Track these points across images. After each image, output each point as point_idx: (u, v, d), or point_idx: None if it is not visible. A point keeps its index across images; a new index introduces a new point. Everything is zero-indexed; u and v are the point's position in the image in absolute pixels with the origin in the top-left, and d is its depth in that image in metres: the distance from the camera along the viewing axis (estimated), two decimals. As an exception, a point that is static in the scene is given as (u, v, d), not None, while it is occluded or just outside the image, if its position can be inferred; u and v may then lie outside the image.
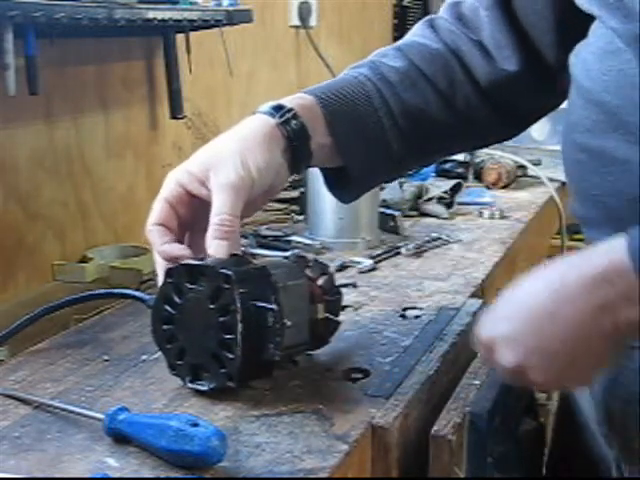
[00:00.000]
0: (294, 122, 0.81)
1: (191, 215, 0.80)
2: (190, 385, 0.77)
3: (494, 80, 0.88)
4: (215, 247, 0.76)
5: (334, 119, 0.84)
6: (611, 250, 0.64)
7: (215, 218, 0.76)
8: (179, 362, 0.78)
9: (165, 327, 0.78)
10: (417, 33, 0.93)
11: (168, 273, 0.77)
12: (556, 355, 0.67)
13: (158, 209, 0.80)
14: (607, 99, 0.71)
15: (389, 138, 0.87)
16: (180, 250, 0.78)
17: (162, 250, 0.78)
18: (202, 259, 0.77)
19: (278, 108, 0.82)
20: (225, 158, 0.78)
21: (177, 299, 0.77)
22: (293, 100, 0.83)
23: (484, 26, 0.88)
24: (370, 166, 0.87)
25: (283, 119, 0.81)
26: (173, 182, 0.80)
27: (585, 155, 0.75)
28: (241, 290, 0.73)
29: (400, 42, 0.93)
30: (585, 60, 0.75)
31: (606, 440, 0.84)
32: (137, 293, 0.90)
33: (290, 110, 0.81)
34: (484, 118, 0.91)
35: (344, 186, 0.89)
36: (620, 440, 0.82)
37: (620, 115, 0.70)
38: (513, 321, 0.68)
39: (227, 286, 0.74)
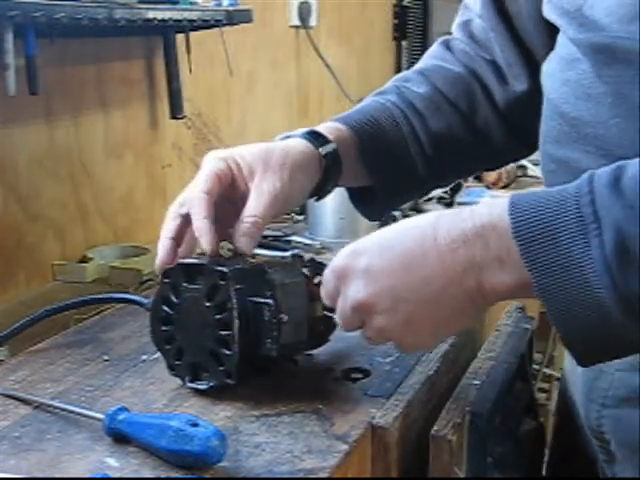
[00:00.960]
0: (329, 147, 0.84)
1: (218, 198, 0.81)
2: (190, 385, 0.77)
3: (508, 100, 0.91)
4: (245, 243, 0.77)
5: (364, 146, 0.87)
6: (494, 207, 0.62)
7: (249, 217, 0.77)
8: (178, 362, 0.78)
9: (163, 328, 0.78)
10: (436, 55, 0.95)
11: (165, 274, 0.77)
12: (406, 302, 0.65)
13: (208, 180, 0.79)
14: (567, 110, 0.71)
15: (416, 163, 0.90)
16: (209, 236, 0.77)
17: (201, 225, 0.77)
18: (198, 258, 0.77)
19: (313, 133, 0.85)
20: (275, 166, 0.80)
21: (174, 299, 0.77)
22: (326, 127, 0.86)
23: (494, 46, 0.90)
24: (396, 188, 0.91)
25: (320, 144, 0.84)
26: (223, 163, 0.80)
27: (554, 165, 0.75)
28: (237, 286, 0.74)
29: (421, 65, 0.95)
30: (551, 70, 0.75)
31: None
32: (136, 297, 0.90)
33: (325, 136, 0.85)
34: (501, 138, 0.93)
35: (369, 203, 0.92)
36: (599, 443, 0.82)
37: (579, 127, 0.70)
38: (375, 257, 0.66)
39: (223, 283, 0.74)
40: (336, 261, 0.70)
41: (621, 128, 0.66)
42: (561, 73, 0.72)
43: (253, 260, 0.79)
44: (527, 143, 0.95)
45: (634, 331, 0.58)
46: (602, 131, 0.68)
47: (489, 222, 0.62)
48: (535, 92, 0.88)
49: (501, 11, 0.88)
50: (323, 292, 0.72)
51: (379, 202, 0.91)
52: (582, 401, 0.84)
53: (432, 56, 0.96)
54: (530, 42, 0.87)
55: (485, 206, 0.64)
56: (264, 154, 0.81)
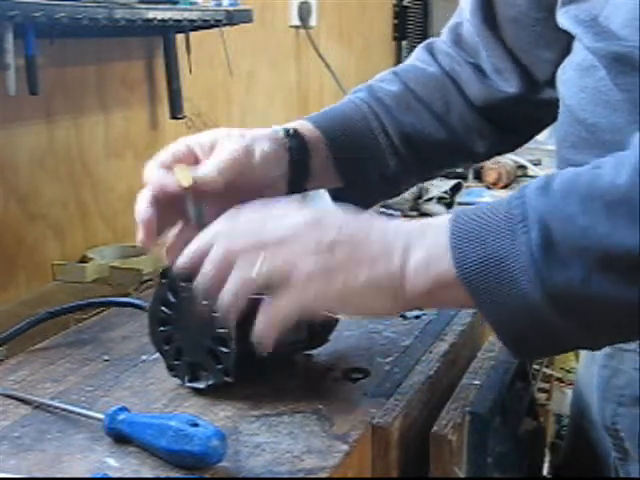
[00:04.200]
0: (296, 139, 0.84)
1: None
2: (189, 384, 0.77)
3: (490, 98, 0.92)
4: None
5: (332, 140, 0.87)
6: (442, 216, 0.65)
7: (202, 176, 0.76)
8: (177, 362, 0.78)
9: (162, 328, 0.78)
10: (416, 57, 0.98)
11: (163, 274, 0.78)
12: (341, 247, 0.64)
13: (167, 154, 0.78)
14: (585, 117, 0.72)
15: (386, 156, 0.90)
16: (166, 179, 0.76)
17: (157, 181, 0.77)
18: None
19: (281, 129, 0.84)
20: (234, 135, 0.80)
21: (172, 299, 0.77)
22: (294, 124, 0.86)
23: (480, 50, 0.91)
24: (368, 185, 0.90)
25: (287, 135, 0.83)
26: (183, 143, 0.80)
27: None
28: None
29: (398, 67, 0.97)
30: (568, 77, 0.76)
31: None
32: (137, 301, 0.91)
33: (292, 130, 0.84)
34: (479, 133, 0.94)
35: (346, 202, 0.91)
36: (613, 440, 0.82)
37: (597, 133, 0.71)
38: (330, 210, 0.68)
39: None
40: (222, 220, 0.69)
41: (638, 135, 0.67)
42: (579, 80, 0.73)
43: None
44: (517, 137, 0.97)
45: (566, 327, 0.59)
46: (620, 138, 0.67)
47: (434, 221, 0.65)
48: (525, 93, 0.90)
49: (489, 18, 0.89)
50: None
51: (352, 201, 0.88)
52: (597, 399, 0.84)
53: (412, 58, 0.99)
54: (520, 48, 0.88)
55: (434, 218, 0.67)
56: (222, 129, 0.81)
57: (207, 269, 0.67)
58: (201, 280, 0.67)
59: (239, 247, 0.66)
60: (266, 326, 0.65)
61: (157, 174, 0.77)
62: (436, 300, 0.66)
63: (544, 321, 0.59)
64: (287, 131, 0.84)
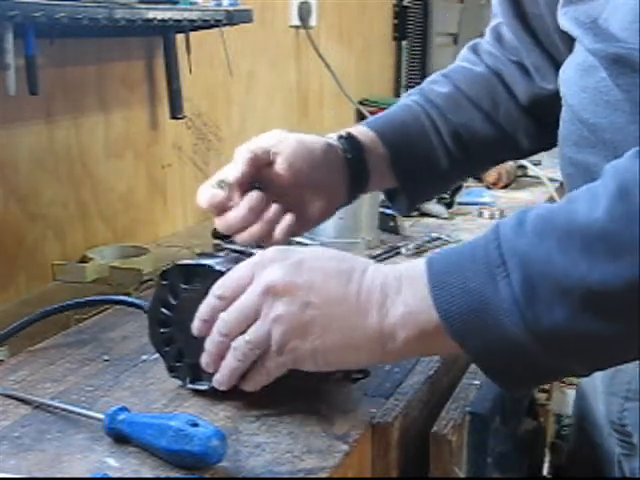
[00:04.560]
0: (350, 141, 0.89)
1: None
2: (190, 386, 0.77)
3: (534, 96, 0.95)
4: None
5: (387, 140, 0.91)
6: (415, 262, 0.66)
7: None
8: (178, 364, 0.78)
9: (162, 330, 0.78)
10: (462, 58, 1.01)
11: (162, 276, 0.77)
12: (314, 308, 0.66)
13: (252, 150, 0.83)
14: (586, 116, 0.72)
15: (438, 155, 0.94)
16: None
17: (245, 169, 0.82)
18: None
19: (334, 135, 0.89)
20: (293, 136, 0.86)
21: (172, 300, 0.77)
22: (347, 130, 0.91)
23: (520, 49, 0.94)
24: (421, 184, 0.95)
25: (340, 138, 0.89)
26: (249, 149, 0.84)
27: (574, 168, 0.76)
28: None
29: (447, 69, 1.01)
30: (569, 76, 0.76)
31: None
32: (135, 300, 0.90)
33: (345, 133, 0.89)
34: (526, 130, 0.97)
35: (397, 199, 0.96)
36: (620, 436, 0.82)
37: (598, 132, 0.71)
38: (308, 257, 0.69)
39: None
40: (262, 253, 0.71)
41: (638, 136, 0.67)
42: (579, 80, 0.73)
43: (252, 250, 0.79)
44: (555, 138, 0.98)
45: (552, 361, 0.61)
46: (620, 137, 0.69)
47: (406, 272, 0.65)
48: None
49: (520, 16, 0.91)
50: (229, 281, 0.71)
51: (406, 199, 0.95)
52: (603, 395, 0.85)
53: (459, 59, 1.02)
54: (551, 44, 0.89)
55: (408, 262, 0.68)
56: (284, 134, 0.86)
57: (241, 307, 0.70)
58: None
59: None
60: (251, 385, 0.72)
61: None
62: (421, 350, 0.68)
63: (531, 358, 0.60)
64: (340, 135, 0.89)
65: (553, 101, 0.91)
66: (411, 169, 0.93)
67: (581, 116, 0.73)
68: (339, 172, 0.87)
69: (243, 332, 0.69)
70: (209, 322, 0.71)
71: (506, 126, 0.96)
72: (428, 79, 1.01)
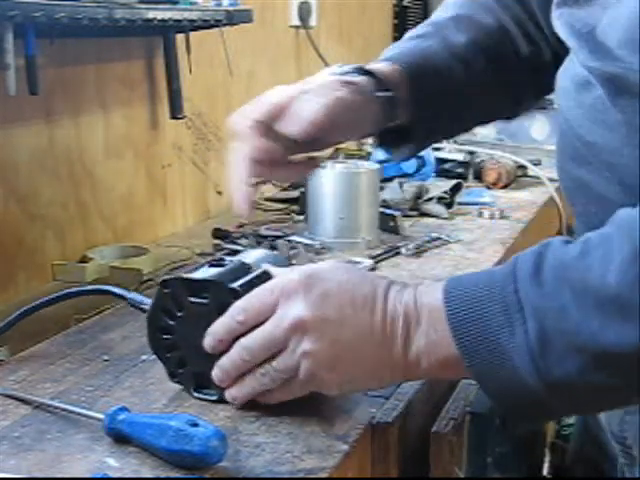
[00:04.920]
0: (378, 80, 0.87)
1: None
2: (196, 395, 0.76)
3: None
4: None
5: (414, 82, 0.89)
6: (433, 291, 0.67)
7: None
8: (180, 370, 0.77)
9: (164, 337, 0.77)
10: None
11: (164, 284, 0.76)
12: (340, 342, 0.68)
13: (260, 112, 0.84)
14: (582, 133, 0.72)
15: (453, 66, 0.90)
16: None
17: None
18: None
19: (349, 69, 0.88)
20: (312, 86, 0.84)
21: (176, 311, 0.75)
22: (381, 68, 0.90)
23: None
24: (438, 101, 0.90)
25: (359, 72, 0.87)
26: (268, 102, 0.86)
27: (572, 183, 0.76)
28: None
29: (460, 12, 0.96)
30: (564, 87, 0.75)
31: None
32: (110, 288, 0.88)
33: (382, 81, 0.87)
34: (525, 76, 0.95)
35: (401, 143, 0.92)
36: (621, 447, 0.82)
37: (595, 151, 0.71)
38: (333, 287, 0.69)
39: (234, 300, 0.73)
40: (284, 279, 0.70)
41: (635, 157, 0.66)
42: (576, 94, 0.72)
43: (251, 250, 0.78)
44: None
45: (562, 407, 0.65)
46: (616, 159, 0.68)
47: (425, 300, 0.67)
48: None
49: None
50: (250, 307, 0.70)
51: (421, 130, 0.91)
52: None
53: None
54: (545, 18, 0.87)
55: (426, 287, 0.69)
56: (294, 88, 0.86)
57: (265, 336, 0.70)
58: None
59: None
60: (271, 400, 0.73)
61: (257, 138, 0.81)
62: (440, 375, 0.71)
63: (542, 402, 0.63)
64: (360, 70, 0.87)
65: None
66: (429, 87, 0.89)
67: (577, 132, 0.72)
68: (369, 113, 0.85)
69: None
70: (225, 342, 0.72)
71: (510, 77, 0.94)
72: (435, 22, 0.96)
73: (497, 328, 0.62)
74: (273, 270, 0.76)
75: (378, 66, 0.89)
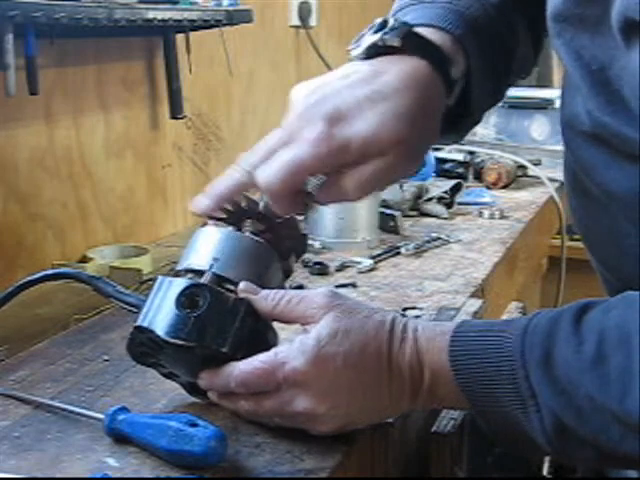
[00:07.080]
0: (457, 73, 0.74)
1: None
2: (197, 396, 0.76)
3: None
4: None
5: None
6: (436, 348, 0.67)
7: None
8: (171, 377, 0.76)
9: (150, 361, 0.74)
10: None
11: (138, 328, 0.71)
12: (345, 369, 0.66)
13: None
14: (590, 184, 0.71)
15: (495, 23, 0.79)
16: None
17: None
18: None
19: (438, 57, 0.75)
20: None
21: (156, 354, 0.72)
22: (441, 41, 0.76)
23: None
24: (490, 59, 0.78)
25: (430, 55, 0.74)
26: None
27: (583, 211, 0.76)
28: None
29: None
30: (571, 123, 0.71)
31: None
32: (71, 271, 0.83)
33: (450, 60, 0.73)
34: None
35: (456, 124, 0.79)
36: None
37: (607, 193, 0.69)
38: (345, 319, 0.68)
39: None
40: (290, 366, 0.66)
41: None
42: (584, 136, 0.68)
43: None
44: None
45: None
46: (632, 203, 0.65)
47: (431, 360, 0.67)
48: None
49: None
50: (251, 380, 0.68)
51: (468, 121, 0.79)
52: None
53: None
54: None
55: (426, 342, 0.67)
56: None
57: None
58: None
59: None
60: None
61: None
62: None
63: (550, 453, 0.68)
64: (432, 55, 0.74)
65: None
66: (487, 60, 0.77)
67: (590, 174, 0.70)
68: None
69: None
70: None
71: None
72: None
73: (511, 405, 0.63)
74: (253, 302, 0.70)
75: (436, 40, 0.76)
